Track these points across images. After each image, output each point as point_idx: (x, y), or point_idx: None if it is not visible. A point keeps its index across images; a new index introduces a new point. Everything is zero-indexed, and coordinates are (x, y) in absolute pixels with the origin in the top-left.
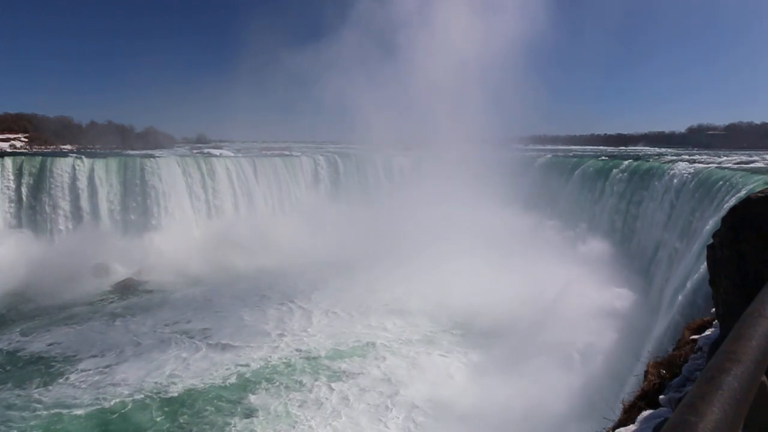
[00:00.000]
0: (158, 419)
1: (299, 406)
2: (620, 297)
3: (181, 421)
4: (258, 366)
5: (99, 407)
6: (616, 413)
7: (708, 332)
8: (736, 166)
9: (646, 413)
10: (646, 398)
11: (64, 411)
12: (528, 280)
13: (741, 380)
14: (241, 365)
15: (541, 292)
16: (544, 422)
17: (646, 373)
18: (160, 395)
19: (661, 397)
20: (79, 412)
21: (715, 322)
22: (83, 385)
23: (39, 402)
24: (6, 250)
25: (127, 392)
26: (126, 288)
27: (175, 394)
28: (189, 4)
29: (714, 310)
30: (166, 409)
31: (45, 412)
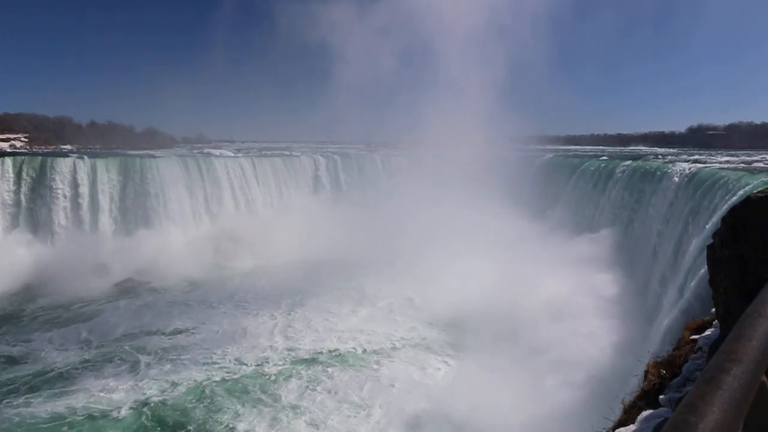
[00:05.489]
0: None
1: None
2: (620, 296)
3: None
4: (251, 370)
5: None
6: (616, 413)
7: (708, 332)
8: (735, 166)
9: (646, 413)
10: (646, 398)
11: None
12: (527, 280)
13: (741, 380)
14: (234, 370)
15: (541, 293)
16: (545, 422)
17: (646, 373)
18: (145, 405)
19: (661, 397)
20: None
21: (715, 322)
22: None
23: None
24: (5, 251)
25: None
26: (125, 288)
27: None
28: (189, 4)
29: (714, 310)
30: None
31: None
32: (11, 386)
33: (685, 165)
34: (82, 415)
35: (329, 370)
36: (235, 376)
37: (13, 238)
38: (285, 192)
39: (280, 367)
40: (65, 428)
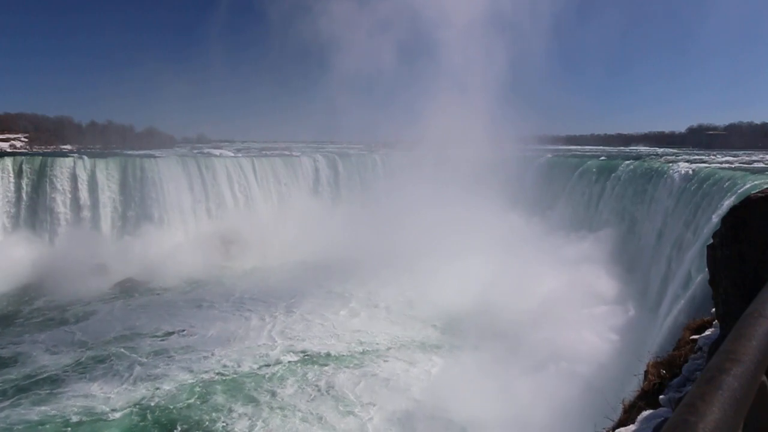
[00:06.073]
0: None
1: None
2: (620, 296)
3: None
4: (248, 371)
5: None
6: (617, 413)
7: (708, 332)
8: (736, 166)
9: (646, 413)
10: (646, 398)
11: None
12: (527, 280)
13: (741, 380)
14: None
15: (540, 292)
16: (544, 422)
17: (646, 373)
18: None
19: (661, 397)
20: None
21: (715, 322)
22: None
23: None
24: (6, 251)
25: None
26: (125, 289)
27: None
28: (189, 4)
29: (714, 310)
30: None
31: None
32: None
33: (686, 165)
34: (75, 419)
35: (325, 369)
36: (232, 376)
37: (14, 239)
38: (285, 192)
39: (276, 367)
40: (66, 430)
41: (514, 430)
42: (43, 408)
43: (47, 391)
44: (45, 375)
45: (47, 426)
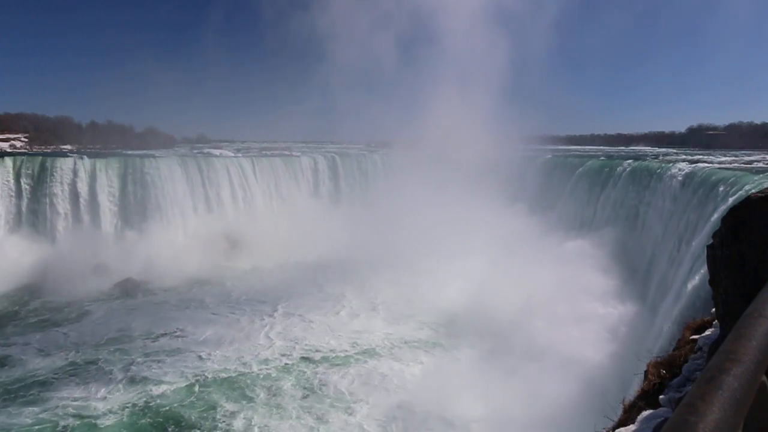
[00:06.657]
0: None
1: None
2: (620, 296)
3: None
4: (245, 370)
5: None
6: (617, 413)
7: (708, 332)
8: (735, 165)
9: (646, 413)
10: (646, 398)
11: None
12: (527, 279)
13: (741, 380)
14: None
15: (539, 292)
16: (543, 422)
17: (646, 373)
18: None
19: (661, 397)
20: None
21: (715, 322)
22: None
23: None
24: (6, 251)
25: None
26: (125, 289)
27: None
28: (189, 4)
29: (714, 310)
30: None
31: None
32: None
33: (685, 165)
34: (67, 422)
35: (322, 368)
36: (228, 376)
37: (14, 239)
38: (285, 192)
39: (273, 367)
40: None
41: (513, 429)
42: (33, 410)
43: (38, 394)
44: (36, 378)
45: (38, 429)
